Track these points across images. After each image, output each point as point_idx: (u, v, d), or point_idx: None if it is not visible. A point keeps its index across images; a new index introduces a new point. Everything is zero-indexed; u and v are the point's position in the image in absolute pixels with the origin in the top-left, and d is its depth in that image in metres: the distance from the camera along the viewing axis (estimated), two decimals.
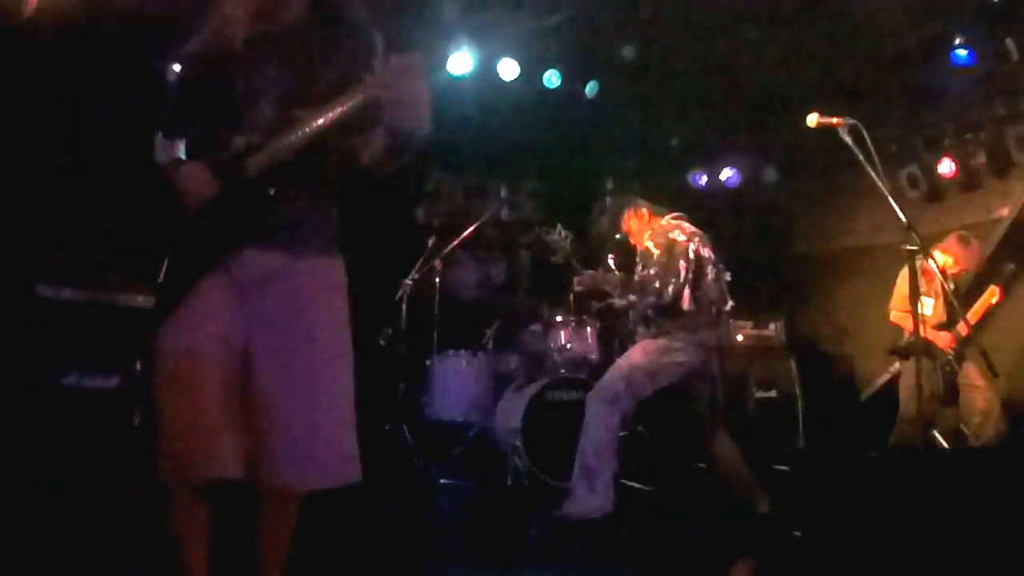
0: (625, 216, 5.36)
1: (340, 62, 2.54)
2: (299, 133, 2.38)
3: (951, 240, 6.12)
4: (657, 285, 4.80)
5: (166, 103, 2.69)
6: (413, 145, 2.47)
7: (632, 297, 4.96)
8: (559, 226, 6.28)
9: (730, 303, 5.15)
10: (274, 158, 2.40)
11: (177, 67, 2.72)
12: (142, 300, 5.04)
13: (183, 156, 2.60)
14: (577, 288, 5.77)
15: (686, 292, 4.82)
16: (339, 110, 2.36)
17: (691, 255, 4.89)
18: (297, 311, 2.46)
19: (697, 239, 5.00)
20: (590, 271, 5.42)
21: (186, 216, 2.48)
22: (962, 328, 5.82)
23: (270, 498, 2.54)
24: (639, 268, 5.04)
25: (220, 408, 2.35)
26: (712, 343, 4.94)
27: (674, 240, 4.91)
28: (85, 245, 5.18)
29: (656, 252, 4.90)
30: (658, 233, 5.01)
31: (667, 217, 5.17)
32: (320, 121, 2.36)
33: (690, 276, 4.85)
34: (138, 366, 4.97)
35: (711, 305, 4.94)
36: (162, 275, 2.50)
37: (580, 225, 6.77)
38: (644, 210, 5.31)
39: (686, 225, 5.08)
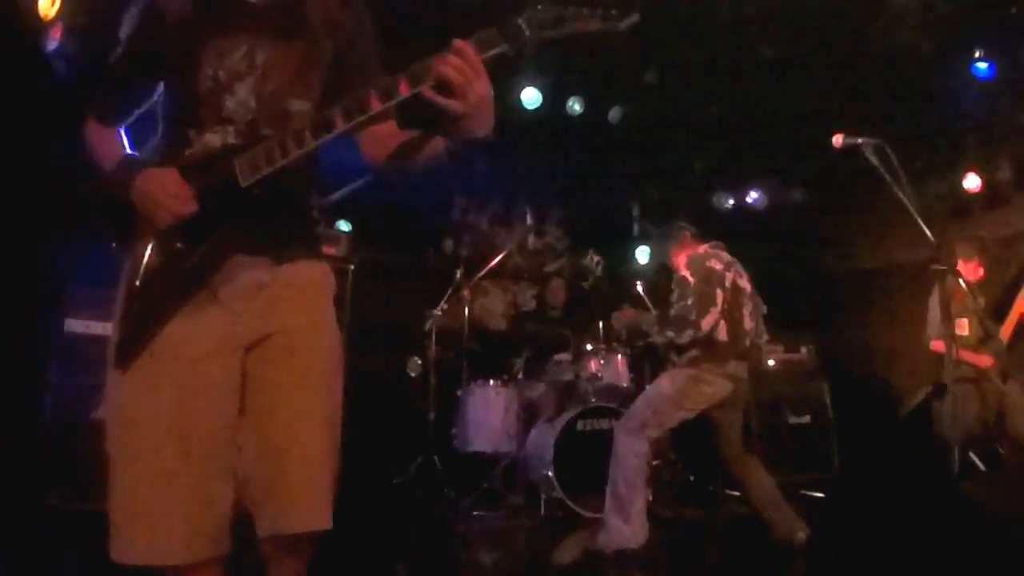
0: (671, 245, 5.28)
1: (348, 44, 2.19)
2: (313, 134, 1.94)
3: (961, 250, 5.99)
4: (694, 316, 4.72)
5: (100, 81, 2.22)
6: (469, 152, 2.02)
7: (670, 333, 4.87)
8: (590, 251, 6.27)
9: (765, 337, 5.10)
10: (272, 163, 1.96)
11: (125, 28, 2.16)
12: None
13: (131, 152, 2.18)
14: (615, 324, 5.73)
15: (721, 323, 4.77)
16: (373, 107, 1.90)
17: (727, 285, 4.84)
18: (295, 326, 2.11)
19: (734, 269, 4.95)
20: (626, 308, 5.38)
21: (152, 234, 2.03)
22: (999, 344, 5.73)
23: (278, 545, 2.11)
24: (674, 296, 4.97)
25: (190, 477, 2.00)
26: (742, 375, 4.88)
27: (712, 269, 4.84)
28: (112, 279, 5.21)
29: (693, 281, 4.84)
30: (695, 261, 4.94)
31: (705, 246, 5.11)
32: (341, 122, 1.92)
33: (726, 307, 4.80)
34: None
35: (745, 337, 4.88)
36: (122, 305, 2.09)
37: (607, 250, 6.76)
38: (687, 233, 5.25)
39: (723, 255, 5.01)
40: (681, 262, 5.08)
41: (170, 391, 2.01)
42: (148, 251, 2.04)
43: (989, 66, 6.69)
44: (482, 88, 1.85)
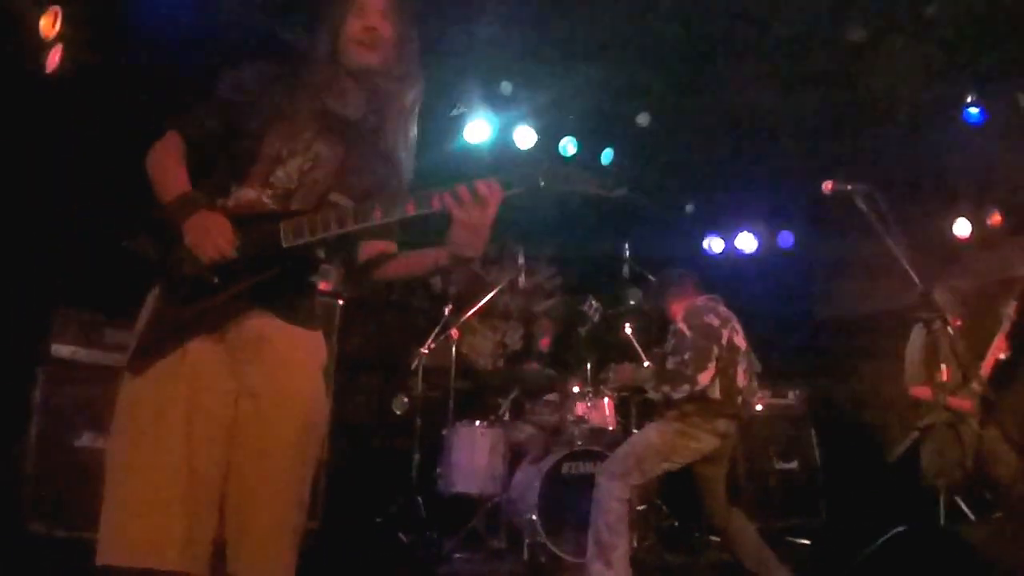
0: (671, 292, 5.25)
1: (381, 171, 2.54)
2: (354, 219, 2.25)
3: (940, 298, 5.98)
4: (690, 372, 4.68)
5: (195, 101, 2.51)
6: (457, 269, 2.45)
7: (666, 388, 4.81)
8: (590, 297, 6.22)
9: (759, 395, 5.06)
10: (315, 234, 2.26)
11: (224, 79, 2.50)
12: None
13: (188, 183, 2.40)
14: (613, 382, 5.70)
15: (716, 381, 4.74)
16: (408, 211, 2.25)
17: (724, 342, 4.81)
18: (287, 385, 2.32)
19: (731, 326, 4.92)
20: (623, 365, 5.33)
21: (192, 267, 2.26)
22: (977, 386, 5.71)
23: None
24: (669, 347, 4.93)
25: (186, 488, 2.15)
26: (730, 432, 4.83)
27: (709, 324, 4.81)
28: (101, 306, 5.19)
29: (690, 335, 4.80)
30: (692, 314, 4.90)
31: (704, 298, 5.07)
32: (379, 215, 2.25)
33: (720, 364, 4.77)
34: None
35: (738, 395, 4.84)
36: (149, 317, 2.32)
37: (596, 291, 6.73)
38: (690, 282, 5.22)
39: (721, 309, 4.98)
40: (678, 312, 5.04)
41: (180, 408, 2.19)
42: (188, 278, 2.27)
43: (980, 112, 6.72)
44: (478, 218, 2.22)
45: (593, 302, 6.33)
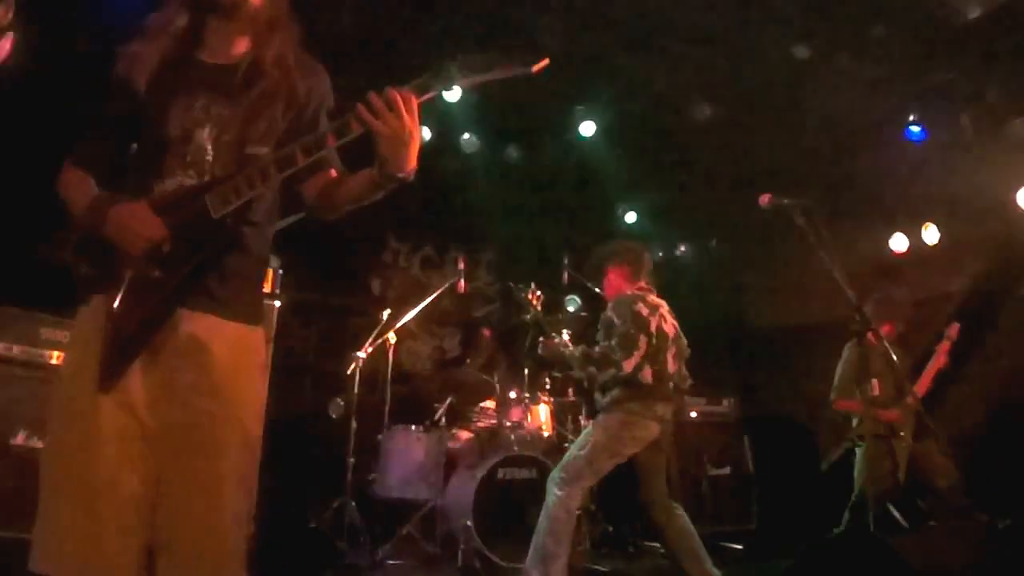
0: (607, 268, 5.30)
1: (300, 103, 2.40)
2: (277, 168, 2.14)
3: (872, 309, 6.08)
4: (617, 357, 4.76)
5: (84, 134, 2.41)
6: (396, 185, 2.23)
7: (592, 369, 4.90)
8: (532, 284, 6.22)
9: (690, 381, 5.13)
10: (240, 196, 2.14)
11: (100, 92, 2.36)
12: None
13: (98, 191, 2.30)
14: (541, 352, 5.70)
15: (646, 366, 4.79)
16: (328, 143, 2.15)
17: (652, 329, 4.86)
18: (218, 390, 2.19)
19: (660, 313, 4.98)
20: (554, 338, 5.36)
21: (125, 265, 2.17)
22: (911, 401, 5.81)
23: None
24: (600, 335, 5.00)
25: (117, 499, 2.09)
26: (668, 416, 4.89)
27: (637, 313, 4.87)
28: (36, 303, 5.08)
29: (618, 323, 4.86)
30: (621, 303, 4.97)
31: (633, 287, 5.13)
32: (302, 158, 2.13)
33: (650, 351, 4.82)
34: None
35: (669, 380, 4.91)
36: (96, 333, 2.16)
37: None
38: (627, 267, 5.26)
39: (651, 297, 5.05)
40: (610, 294, 5.13)
41: (107, 423, 2.11)
42: (123, 286, 2.16)
43: (921, 130, 6.86)
44: (398, 127, 2.08)
45: (535, 288, 6.32)
